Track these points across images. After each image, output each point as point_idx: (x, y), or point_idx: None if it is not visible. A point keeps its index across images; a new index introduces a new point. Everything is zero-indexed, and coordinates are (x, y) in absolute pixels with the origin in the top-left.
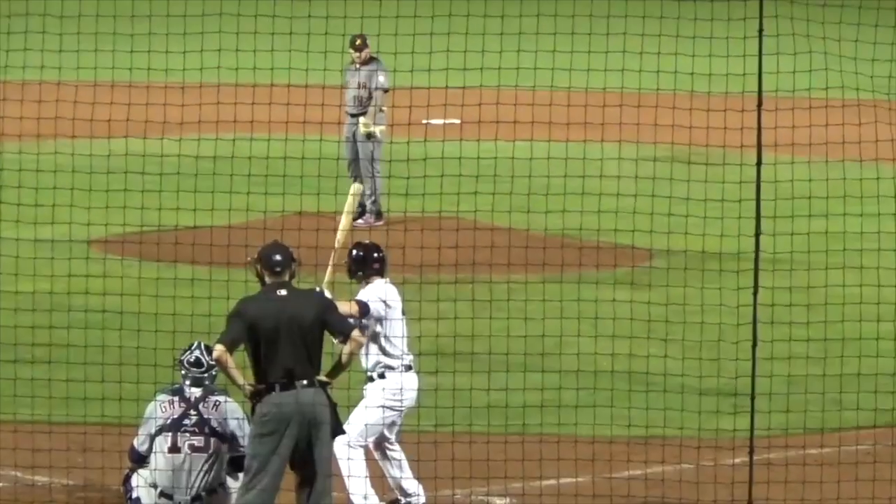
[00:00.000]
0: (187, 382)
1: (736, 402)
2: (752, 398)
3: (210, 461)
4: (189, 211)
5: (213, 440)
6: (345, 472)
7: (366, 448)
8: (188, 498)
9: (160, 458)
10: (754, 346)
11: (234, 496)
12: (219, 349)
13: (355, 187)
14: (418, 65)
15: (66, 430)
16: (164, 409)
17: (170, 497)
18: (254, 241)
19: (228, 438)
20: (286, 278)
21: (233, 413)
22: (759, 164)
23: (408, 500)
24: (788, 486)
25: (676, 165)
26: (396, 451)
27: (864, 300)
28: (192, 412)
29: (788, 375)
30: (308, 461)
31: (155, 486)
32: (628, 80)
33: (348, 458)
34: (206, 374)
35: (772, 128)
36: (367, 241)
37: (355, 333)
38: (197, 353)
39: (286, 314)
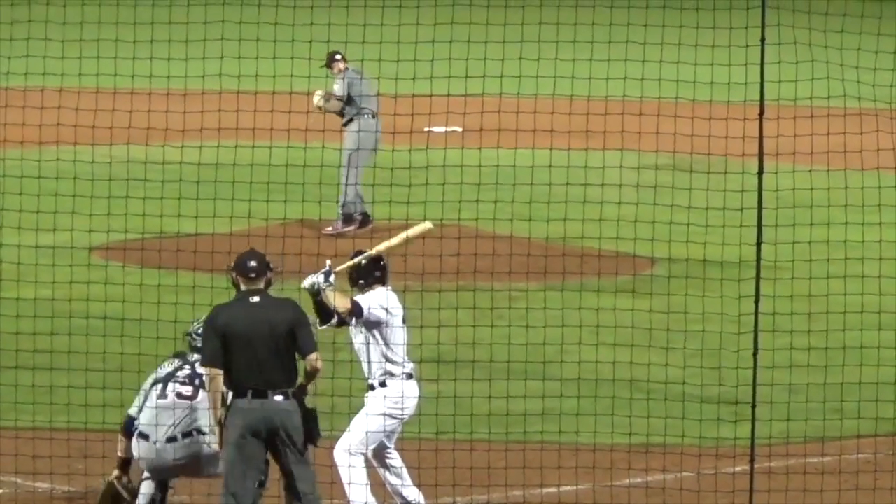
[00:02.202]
0: (195, 354)
1: (737, 410)
2: (753, 406)
3: (193, 410)
4: (191, 218)
5: (201, 391)
6: (345, 480)
7: (366, 455)
8: (164, 438)
9: (148, 404)
10: (755, 354)
11: (209, 439)
12: (212, 372)
13: (429, 224)
14: (420, 72)
15: (67, 436)
16: (162, 367)
17: (146, 437)
18: (255, 248)
19: None
20: (261, 286)
21: None
22: (760, 172)
23: None
24: (789, 495)
25: (678, 174)
26: (395, 459)
27: (865, 309)
28: (187, 366)
29: (789, 384)
30: (286, 468)
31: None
32: (630, 88)
33: (349, 466)
34: None
35: (773, 136)
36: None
37: (313, 357)
38: None
39: (258, 321)
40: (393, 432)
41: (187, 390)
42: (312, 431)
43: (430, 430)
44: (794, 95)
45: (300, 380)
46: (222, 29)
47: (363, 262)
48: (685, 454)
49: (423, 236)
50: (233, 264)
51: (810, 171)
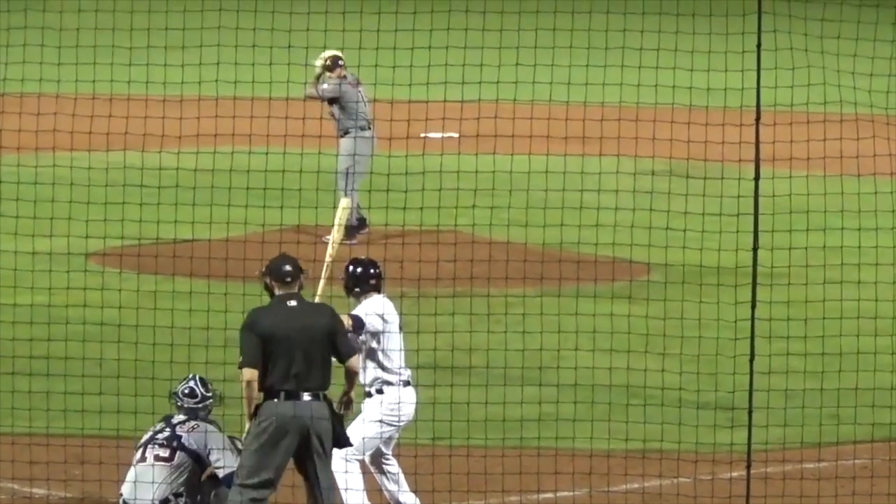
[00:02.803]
0: (180, 414)
1: (733, 416)
2: (750, 412)
3: (171, 473)
4: (187, 224)
5: (179, 453)
6: (341, 486)
7: (362, 461)
8: None
9: (130, 470)
10: (752, 360)
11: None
12: (248, 373)
13: (345, 201)
14: (417, 78)
15: (63, 442)
16: (148, 431)
17: None
18: (251, 255)
19: (198, 455)
20: (296, 289)
21: (210, 432)
22: (756, 178)
23: None
24: (786, 501)
25: (674, 179)
26: (392, 465)
27: (861, 315)
28: (167, 428)
29: (786, 390)
30: (311, 472)
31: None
32: (627, 94)
33: (345, 472)
34: (199, 406)
35: (770, 142)
36: (363, 258)
37: (353, 361)
38: (192, 384)
39: (297, 325)
40: (390, 438)
41: (164, 452)
42: (341, 436)
43: (426, 436)
44: (790, 101)
45: (342, 387)
46: (218, 35)
47: (357, 271)
48: (682, 460)
49: (349, 214)
50: (265, 269)
51: (807, 176)
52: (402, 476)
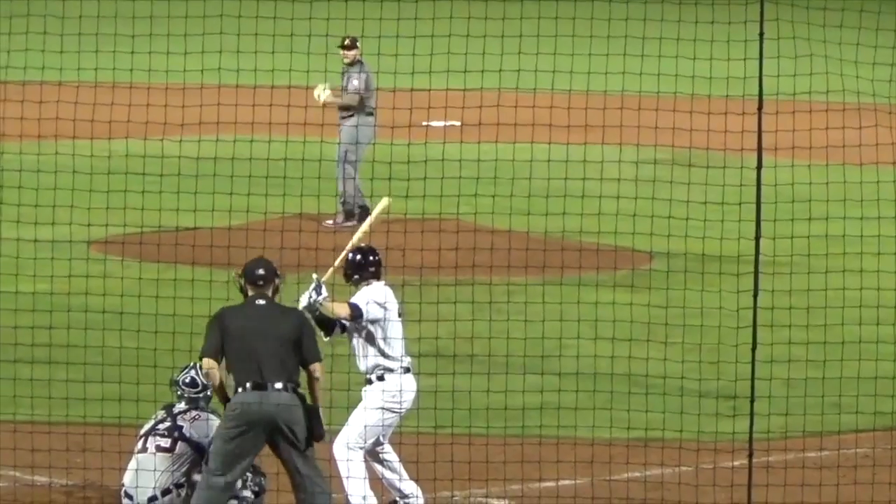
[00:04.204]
0: (182, 403)
1: (735, 404)
2: (752, 401)
3: (172, 462)
4: (189, 212)
5: (179, 443)
6: (343, 474)
7: (364, 450)
8: (145, 499)
9: (131, 460)
10: (754, 348)
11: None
12: (207, 363)
13: (385, 200)
14: (419, 67)
15: (65, 430)
16: (149, 420)
17: (130, 497)
18: (254, 243)
19: (199, 445)
20: (268, 292)
21: (212, 422)
22: (759, 167)
23: (406, 501)
24: (787, 489)
25: (677, 168)
26: (389, 454)
27: (863, 303)
28: (168, 418)
29: (788, 378)
30: (290, 462)
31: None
32: (629, 82)
33: (347, 460)
34: (200, 395)
35: (772, 131)
36: (363, 245)
37: (316, 366)
38: (192, 373)
39: (264, 321)
40: (389, 427)
41: (165, 442)
42: (316, 428)
43: (428, 424)
44: (792, 90)
45: (308, 400)
46: (221, 23)
47: (356, 258)
48: (683, 448)
49: (386, 212)
50: (241, 271)
51: (809, 165)
52: (400, 464)
